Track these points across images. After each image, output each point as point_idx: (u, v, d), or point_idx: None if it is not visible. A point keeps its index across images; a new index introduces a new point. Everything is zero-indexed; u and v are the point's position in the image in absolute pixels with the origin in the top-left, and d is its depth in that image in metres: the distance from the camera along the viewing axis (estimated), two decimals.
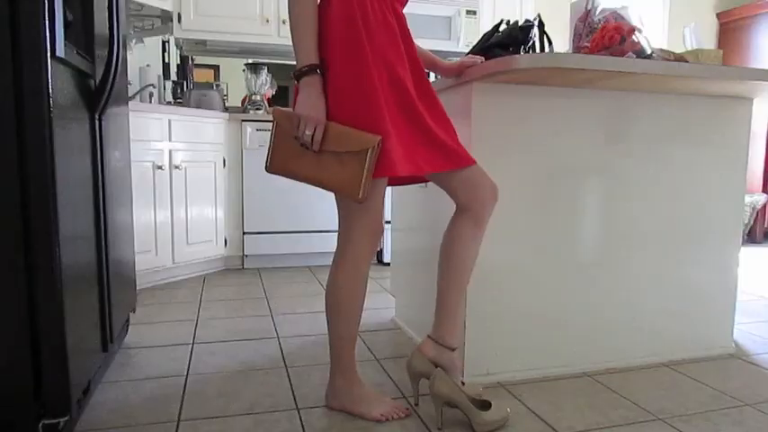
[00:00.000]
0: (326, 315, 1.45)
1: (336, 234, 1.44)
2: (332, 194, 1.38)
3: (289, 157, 1.34)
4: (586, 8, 1.80)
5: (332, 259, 1.44)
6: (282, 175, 1.37)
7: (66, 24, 1.25)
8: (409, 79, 1.35)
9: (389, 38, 1.33)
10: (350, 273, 1.40)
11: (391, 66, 1.32)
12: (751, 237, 4.68)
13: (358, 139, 1.26)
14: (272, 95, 4.03)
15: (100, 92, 1.54)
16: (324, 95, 1.29)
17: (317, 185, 1.33)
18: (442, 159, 1.37)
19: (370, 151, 1.25)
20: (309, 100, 1.27)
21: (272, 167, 1.37)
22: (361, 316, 1.45)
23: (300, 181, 1.36)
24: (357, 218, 1.38)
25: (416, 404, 1.54)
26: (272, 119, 1.38)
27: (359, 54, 1.28)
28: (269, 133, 3.30)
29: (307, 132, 1.27)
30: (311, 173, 1.32)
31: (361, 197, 1.26)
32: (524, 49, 1.72)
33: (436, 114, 1.41)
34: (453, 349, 1.46)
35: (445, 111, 1.44)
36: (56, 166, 1.18)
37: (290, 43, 1.31)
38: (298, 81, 1.29)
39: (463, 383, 1.49)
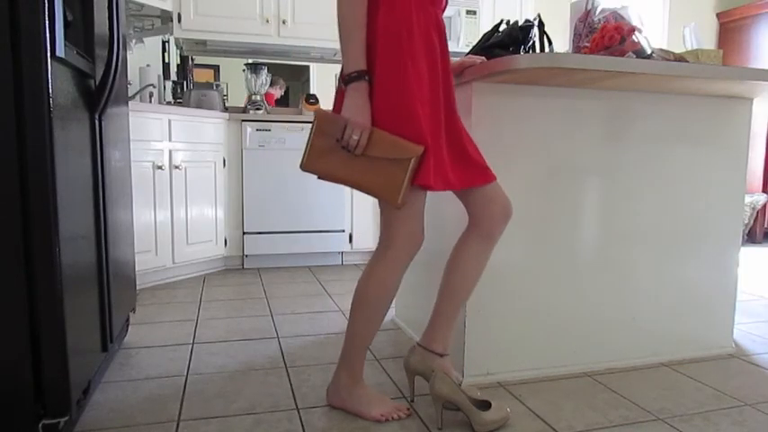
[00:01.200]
0: (350, 309, 1.45)
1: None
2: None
3: (327, 158, 1.35)
4: (586, 8, 1.80)
5: (372, 256, 1.44)
6: (316, 174, 1.38)
7: (67, 24, 1.25)
8: (443, 95, 1.37)
9: (429, 54, 1.34)
10: (383, 275, 1.40)
11: (430, 81, 1.33)
12: (751, 237, 4.68)
13: (403, 147, 1.28)
14: (281, 96, 4.06)
15: (100, 92, 1.54)
16: (369, 101, 1.30)
17: (354, 188, 1.36)
18: (471, 176, 1.39)
19: (413, 160, 1.27)
20: (357, 105, 1.29)
21: (307, 166, 1.37)
22: (383, 319, 1.45)
23: (336, 182, 1.37)
24: (399, 225, 1.38)
25: (412, 401, 1.56)
26: (311, 119, 1.39)
27: (401, 66, 1.29)
28: (269, 133, 3.32)
29: (354, 137, 1.28)
30: (350, 176, 1.33)
31: (400, 203, 1.29)
32: (524, 49, 1.72)
33: (463, 129, 1.43)
34: (442, 356, 1.49)
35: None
36: (56, 166, 1.18)
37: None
38: (345, 86, 1.31)
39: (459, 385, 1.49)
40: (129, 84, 2.90)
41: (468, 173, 1.40)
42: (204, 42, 3.68)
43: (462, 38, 3.93)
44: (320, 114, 1.36)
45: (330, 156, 1.34)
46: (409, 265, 1.42)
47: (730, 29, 5.04)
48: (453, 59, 1.67)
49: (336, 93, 1.40)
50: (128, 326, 2.09)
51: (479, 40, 1.81)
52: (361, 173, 1.32)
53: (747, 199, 4.47)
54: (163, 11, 3.37)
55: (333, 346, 2.03)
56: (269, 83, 3.68)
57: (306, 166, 1.37)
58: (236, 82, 3.92)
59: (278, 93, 4.09)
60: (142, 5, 3.22)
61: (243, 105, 3.68)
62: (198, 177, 3.10)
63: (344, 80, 1.31)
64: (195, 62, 3.95)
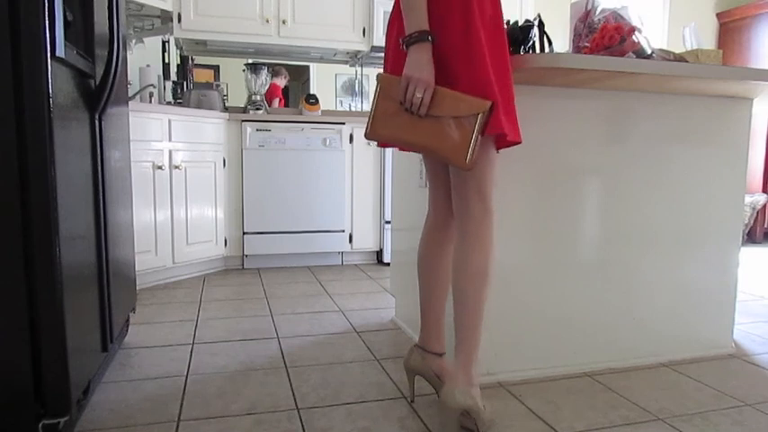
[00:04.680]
0: (462, 299, 1.36)
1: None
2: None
3: (391, 122, 1.31)
4: (586, 8, 1.80)
5: (459, 232, 1.37)
6: (382, 141, 1.35)
7: (67, 24, 1.25)
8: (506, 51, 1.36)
9: (493, 9, 1.34)
10: (490, 244, 1.35)
11: (494, 39, 1.32)
12: (751, 237, 4.68)
13: (469, 103, 1.24)
14: (286, 86, 4.08)
15: (100, 92, 1.54)
16: (432, 61, 1.27)
17: (420, 151, 1.33)
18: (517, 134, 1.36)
19: (480, 116, 1.22)
20: (419, 63, 1.26)
21: (372, 133, 1.34)
22: None
23: (402, 146, 1.35)
24: (491, 187, 1.35)
25: (412, 401, 1.55)
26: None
27: (471, 20, 1.27)
28: (269, 133, 3.32)
29: (417, 95, 1.25)
30: (415, 138, 1.29)
31: (469, 163, 1.24)
32: (524, 49, 1.72)
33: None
34: (440, 355, 1.50)
35: None
36: (56, 166, 1.18)
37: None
38: (407, 47, 1.28)
39: None
40: (129, 84, 2.90)
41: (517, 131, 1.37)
42: (204, 42, 3.68)
43: None
44: (384, 77, 1.33)
45: (394, 120, 1.30)
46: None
47: (730, 29, 5.04)
48: None
49: (385, 61, 1.40)
50: (128, 326, 2.09)
51: None
52: (426, 134, 1.28)
53: (747, 199, 4.47)
54: (163, 11, 3.36)
55: (333, 346, 2.03)
56: (269, 80, 3.67)
57: (370, 133, 1.34)
58: (236, 82, 3.92)
59: (282, 83, 4.10)
60: (142, 5, 3.22)
61: (243, 105, 3.68)
62: (198, 177, 3.10)
63: (406, 42, 1.28)
64: (195, 62, 3.95)
